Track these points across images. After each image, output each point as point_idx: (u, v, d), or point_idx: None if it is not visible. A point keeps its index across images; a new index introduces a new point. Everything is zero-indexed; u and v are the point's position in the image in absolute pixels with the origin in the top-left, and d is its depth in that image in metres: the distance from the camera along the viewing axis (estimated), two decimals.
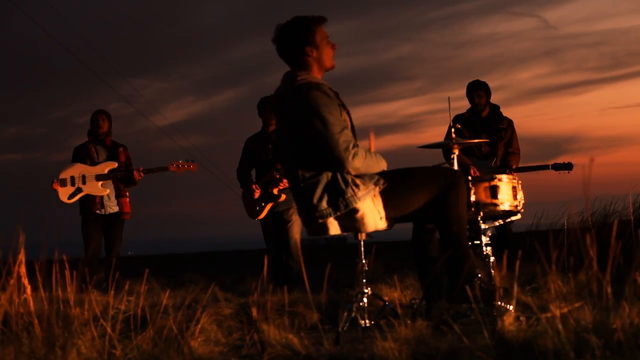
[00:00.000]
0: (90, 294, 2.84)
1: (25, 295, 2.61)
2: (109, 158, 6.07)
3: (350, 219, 3.09)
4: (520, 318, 2.55)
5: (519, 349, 2.19)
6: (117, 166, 6.02)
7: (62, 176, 6.01)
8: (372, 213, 3.08)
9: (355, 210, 3.06)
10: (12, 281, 2.53)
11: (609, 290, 2.21)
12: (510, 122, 5.86)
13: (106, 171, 5.99)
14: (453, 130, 3.61)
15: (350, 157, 2.99)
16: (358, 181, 3.06)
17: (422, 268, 3.32)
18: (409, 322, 2.58)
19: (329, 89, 3.12)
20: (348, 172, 3.04)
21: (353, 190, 3.04)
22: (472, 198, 3.31)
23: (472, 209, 3.35)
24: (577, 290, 2.44)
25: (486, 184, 3.34)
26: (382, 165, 3.18)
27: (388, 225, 3.17)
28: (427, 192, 3.16)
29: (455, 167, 3.59)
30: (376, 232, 3.22)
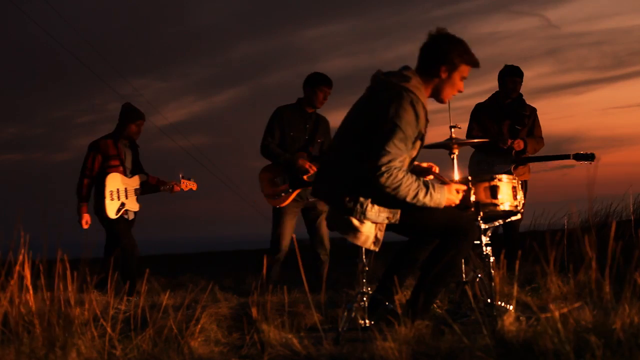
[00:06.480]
0: (91, 293, 2.85)
1: (27, 295, 2.61)
2: (135, 162, 5.62)
3: (347, 221, 3.09)
4: (520, 318, 2.56)
5: (519, 349, 2.19)
6: (146, 178, 5.64)
7: (109, 188, 5.35)
8: (369, 233, 3.08)
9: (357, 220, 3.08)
10: (12, 281, 2.53)
11: (608, 290, 2.21)
12: (533, 110, 5.73)
13: (139, 185, 5.57)
14: (452, 130, 3.59)
15: (378, 172, 2.91)
16: (377, 205, 3.04)
17: (398, 264, 3.36)
18: (408, 322, 2.59)
19: (424, 114, 3.04)
20: (377, 184, 2.96)
21: (366, 207, 3.03)
22: (472, 198, 3.30)
23: (472, 209, 3.35)
24: (577, 290, 2.44)
25: (486, 184, 3.34)
26: (421, 200, 3.01)
27: (377, 249, 3.14)
28: (436, 226, 3.14)
29: (455, 166, 3.58)
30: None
